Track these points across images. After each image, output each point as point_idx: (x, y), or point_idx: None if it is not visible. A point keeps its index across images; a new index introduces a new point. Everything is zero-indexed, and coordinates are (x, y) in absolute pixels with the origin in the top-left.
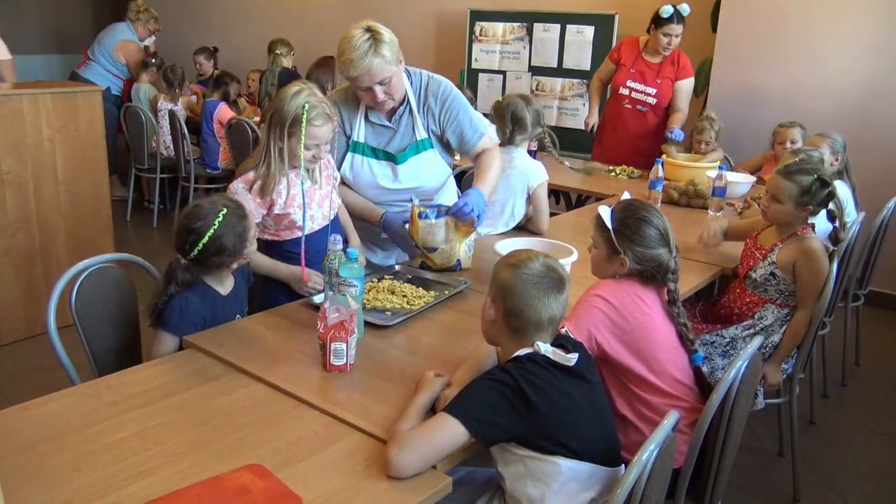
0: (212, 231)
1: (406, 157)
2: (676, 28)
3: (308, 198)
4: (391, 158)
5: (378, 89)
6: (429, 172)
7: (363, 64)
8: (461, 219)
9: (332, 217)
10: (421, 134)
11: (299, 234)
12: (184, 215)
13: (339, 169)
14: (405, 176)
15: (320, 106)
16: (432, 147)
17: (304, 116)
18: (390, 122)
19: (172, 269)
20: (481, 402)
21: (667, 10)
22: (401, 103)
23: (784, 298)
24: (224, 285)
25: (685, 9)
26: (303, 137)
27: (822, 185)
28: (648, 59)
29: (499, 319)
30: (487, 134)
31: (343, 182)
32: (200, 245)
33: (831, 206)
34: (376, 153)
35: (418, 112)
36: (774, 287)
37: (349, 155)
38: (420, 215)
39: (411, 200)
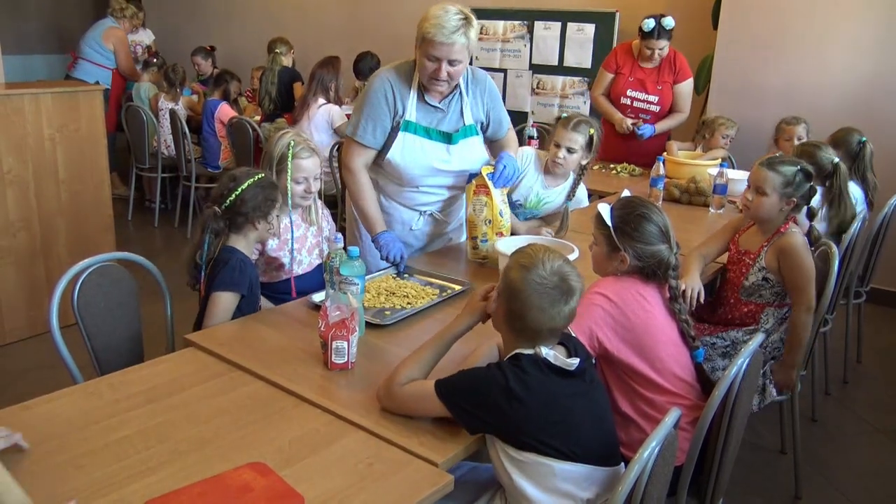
0: (250, 181)
1: (459, 139)
2: (658, 43)
3: (299, 242)
4: (446, 138)
5: (445, 66)
6: (475, 157)
7: (451, 37)
8: (504, 183)
9: (318, 264)
10: (468, 119)
11: (286, 276)
12: (228, 173)
13: (383, 150)
14: (457, 157)
15: (304, 142)
16: (477, 134)
17: (290, 152)
18: (440, 104)
19: (206, 217)
20: (469, 393)
21: (648, 25)
22: (453, 90)
23: (780, 299)
24: (253, 258)
25: (669, 22)
26: (289, 168)
27: (806, 177)
28: (644, 65)
29: (502, 318)
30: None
31: (377, 168)
32: (238, 191)
33: (813, 203)
34: (429, 133)
35: (468, 98)
36: (769, 290)
37: (401, 135)
38: (490, 176)
39: (473, 176)
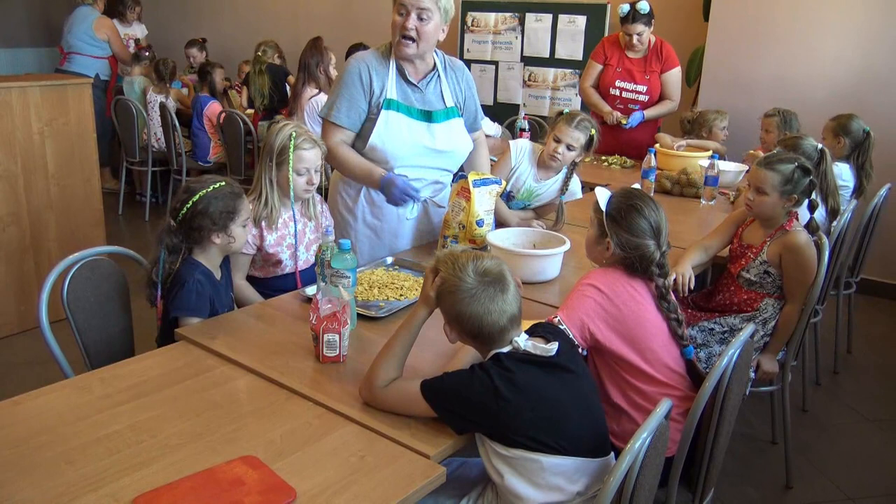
0: (203, 192)
1: (440, 119)
2: (635, 27)
3: (297, 238)
4: (427, 117)
5: (413, 16)
6: (460, 139)
7: None
8: None
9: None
10: (449, 102)
11: (281, 272)
12: (186, 183)
13: (366, 135)
14: (441, 137)
15: (305, 133)
16: (459, 115)
17: (292, 143)
18: (418, 83)
19: (161, 232)
20: (455, 395)
21: (623, 9)
22: (430, 70)
23: (780, 291)
24: (217, 272)
25: (643, 6)
26: (291, 157)
27: (804, 173)
28: (631, 55)
29: (464, 338)
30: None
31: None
32: (190, 203)
33: (813, 196)
34: (410, 111)
35: (446, 80)
36: (771, 283)
37: (384, 113)
38: (475, 184)
39: (462, 176)
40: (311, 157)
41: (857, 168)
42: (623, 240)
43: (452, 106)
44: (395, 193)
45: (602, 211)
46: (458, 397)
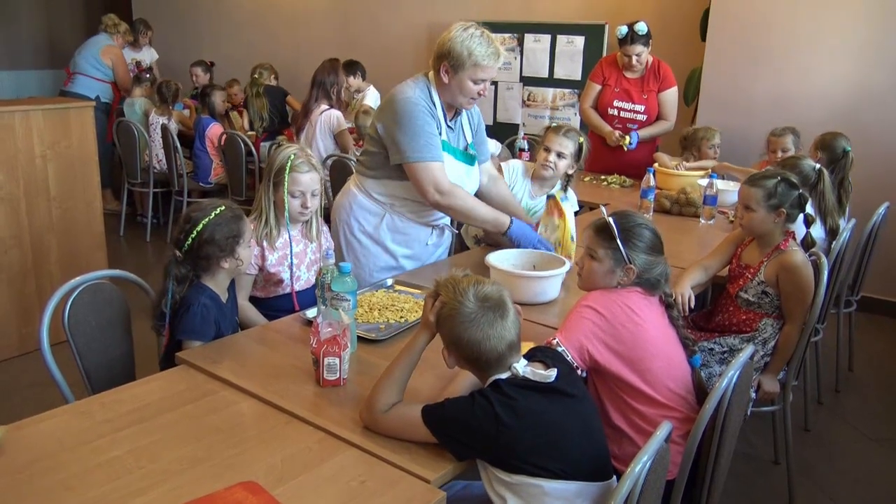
0: (206, 220)
1: (475, 161)
2: (633, 48)
3: (298, 258)
4: (469, 159)
5: (488, 86)
6: (477, 177)
7: (499, 61)
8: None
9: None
10: (468, 138)
11: (283, 292)
12: (186, 212)
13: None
14: (473, 176)
15: (305, 157)
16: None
17: (288, 164)
18: (451, 123)
19: (167, 263)
20: (456, 422)
21: (621, 31)
22: (459, 111)
23: (779, 311)
24: (224, 295)
25: (641, 28)
26: (287, 179)
27: (789, 186)
28: (629, 75)
29: (462, 363)
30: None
31: (392, 184)
32: (194, 233)
33: (808, 209)
34: (455, 153)
35: (465, 117)
36: (769, 303)
37: (445, 155)
38: (562, 200)
39: (551, 197)
40: (306, 180)
41: (835, 186)
42: (643, 261)
43: (471, 142)
44: (526, 243)
45: (616, 239)
46: (459, 424)
